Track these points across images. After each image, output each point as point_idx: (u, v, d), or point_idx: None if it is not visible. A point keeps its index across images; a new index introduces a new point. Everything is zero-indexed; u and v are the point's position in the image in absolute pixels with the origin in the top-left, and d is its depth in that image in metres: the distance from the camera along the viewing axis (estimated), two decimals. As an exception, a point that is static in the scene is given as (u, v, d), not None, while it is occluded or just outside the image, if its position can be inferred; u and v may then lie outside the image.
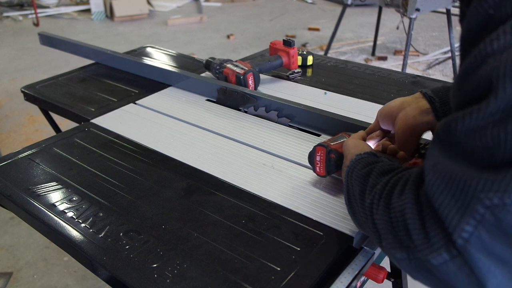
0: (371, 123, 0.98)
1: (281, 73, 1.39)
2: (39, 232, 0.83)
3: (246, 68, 1.23)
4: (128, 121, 1.13)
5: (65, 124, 1.32)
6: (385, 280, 0.79)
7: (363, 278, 0.73)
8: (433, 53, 4.18)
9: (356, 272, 0.68)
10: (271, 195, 0.83)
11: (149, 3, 5.96)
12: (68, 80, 1.42)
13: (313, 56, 1.48)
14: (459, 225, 0.43)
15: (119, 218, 0.79)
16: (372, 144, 0.82)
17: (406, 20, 3.16)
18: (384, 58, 4.04)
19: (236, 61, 1.30)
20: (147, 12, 5.59)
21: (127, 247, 0.72)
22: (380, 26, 4.02)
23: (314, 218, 0.77)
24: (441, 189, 0.45)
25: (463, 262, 0.44)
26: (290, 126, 1.09)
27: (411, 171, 0.55)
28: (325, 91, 1.28)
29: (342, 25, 3.90)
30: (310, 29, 5.00)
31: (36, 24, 5.03)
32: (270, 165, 0.93)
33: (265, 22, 5.40)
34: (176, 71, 1.32)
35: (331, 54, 4.09)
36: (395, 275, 1.22)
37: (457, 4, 3.28)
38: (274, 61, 1.34)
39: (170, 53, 1.65)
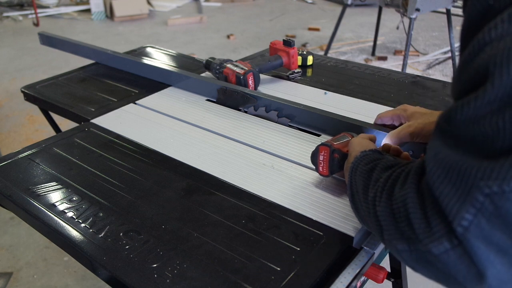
0: (371, 123, 0.99)
1: (281, 73, 1.39)
2: (39, 232, 0.83)
3: (246, 68, 1.23)
4: (128, 121, 1.13)
5: (65, 124, 1.32)
6: (385, 280, 0.79)
7: (363, 278, 0.73)
8: (433, 53, 4.18)
9: (356, 272, 0.68)
10: (271, 195, 0.83)
11: (149, 3, 5.96)
12: (68, 80, 1.42)
13: (313, 56, 1.48)
14: (459, 213, 0.43)
15: (119, 218, 0.79)
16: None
17: (406, 20, 3.16)
18: (384, 58, 4.04)
19: (236, 61, 1.30)
20: (147, 12, 5.59)
21: (127, 247, 0.72)
22: (380, 26, 4.02)
23: (314, 218, 0.77)
24: (441, 178, 0.46)
25: (463, 251, 0.44)
26: (290, 126, 1.08)
27: (413, 163, 0.55)
28: (325, 91, 1.28)
29: (342, 25, 3.90)
30: (310, 29, 5.00)
31: (36, 24, 5.03)
32: (270, 165, 0.93)
33: (265, 22, 5.40)
34: (176, 71, 1.32)
35: (331, 54, 4.09)
36: (395, 275, 1.22)
37: (457, 4, 3.28)
38: (274, 61, 1.34)
39: (170, 53, 1.65)
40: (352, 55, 4.18)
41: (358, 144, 0.76)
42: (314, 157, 0.85)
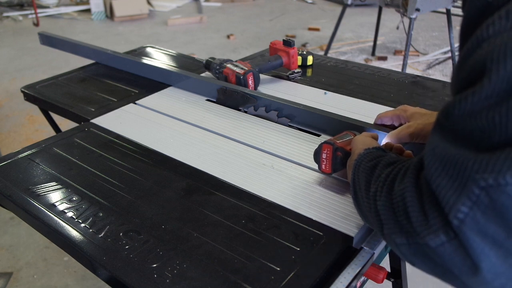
0: (371, 123, 0.99)
1: (281, 73, 1.39)
2: (39, 232, 0.83)
3: (246, 68, 1.23)
4: (128, 121, 1.13)
5: (65, 124, 1.32)
6: (385, 280, 0.79)
7: (363, 278, 0.73)
8: (433, 53, 4.18)
9: (356, 272, 0.68)
10: (271, 195, 0.83)
11: (149, 3, 5.96)
12: (68, 80, 1.42)
13: (313, 56, 1.48)
14: (455, 205, 0.44)
15: (119, 218, 0.79)
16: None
17: (406, 20, 3.16)
18: (384, 58, 4.04)
19: (236, 61, 1.30)
20: (147, 12, 5.59)
21: (127, 247, 0.72)
22: (380, 26, 4.02)
23: (314, 218, 0.77)
24: (439, 171, 0.46)
25: (459, 244, 0.44)
26: (290, 126, 1.08)
27: (413, 159, 0.55)
28: (325, 91, 1.28)
29: (342, 25, 3.90)
30: (310, 29, 5.00)
31: (36, 24, 5.03)
32: (270, 165, 0.93)
33: (265, 22, 5.40)
34: (176, 71, 1.32)
35: (331, 54, 4.09)
36: (395, 275, 1.22)
37: (457, 4, 3.28)
38: (274, 61, 1.34)
39: (170, 53, 1.65)
40: (352, 55, 4.18)
41: (362, 142, 0.76)
42: (317, 155, 0.85)
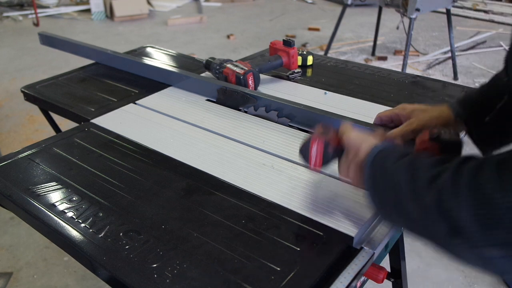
0: (371, 123, 0.99)
1: (281, 73, 1.39)
2: (39, 232, 0.83)
3: (246, 68, 1.23)
4: (128, 121, 1.13)
5: (65, 124, 1.32)
6: (385, 280, 0.79)
7: (363, 278, 0.73)
8: (433, 53, 4.18)
9: (356, 272, 0.68)
10: (271, 195, 0.83)
11: (149, 3, 5.96)
12: (68, 80, 1.42)
13: (313, 56, 1.48)
14: None
15: (119, 218, 0.79)
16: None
17: (406, 20, 3.16)
18: (384, 58, 4.04)
19: (236, 61, 1.30)
20: (147, 12, 5.59)
21: (127, 247, 0.72)
22: (380, 26, 4.02)
23: (314, 218, 0.77)
24: None
25: None
26: (290, 126, 1.08)
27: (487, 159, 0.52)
28: (325, 91, 1.28)
29: (342, 25, 3.90)
30: (310, 29, 5.00)
31: (36, 24, 5.03)
32: (270, 165, 0.93)
33: (265, 22, 5.40)
34: (176, 71, 1.32)
35: (331, 54, 4.09)
36: (395, 275, 1.22)
37: (457, 4, 3.28)
38: (274, 61, 1.34)
39: (170, 53, 1.65)
40: (352, 55, 4.18)
41: (361, 138, 0.72)
42: (305, 150, 0.79)
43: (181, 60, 1.58)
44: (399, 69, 3.34)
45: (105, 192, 0.86)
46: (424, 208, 0.55)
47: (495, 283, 1.72)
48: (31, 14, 5.47)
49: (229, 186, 0.86)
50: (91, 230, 0.76)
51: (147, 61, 1.43)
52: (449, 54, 3.71)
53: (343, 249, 0.71)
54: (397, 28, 4.29)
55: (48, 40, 1.63)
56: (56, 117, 1.42)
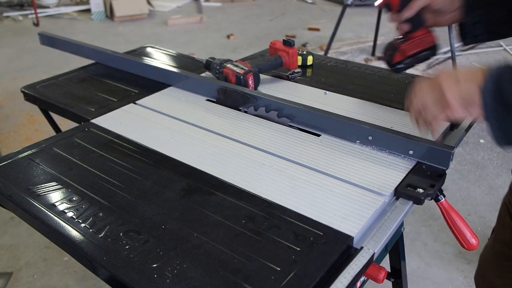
0: (371, 123, 0.99)
1: (281, 73, 1.39)
2: (39, 232, 0.83)
3: (246, 68, 1.23)
4: (128, 121, 1.13)
5: (65, 124, 1.32)
6: (385, 280, 0.79)
7: (363, 278, 0.73)
8: (433, 53, 4.17)
9: (356, 272, 0.68)
10: (271, 195, 0.83)
11: (149, 3, 5.96)
12: (68, 80, 1.42)
13: (313, 56, 1.48)
14: None
15: (119, 218, 0.79)
16: None
17: (406, 20, 3.15)
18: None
19: (236, 61, 1.30)
20: (147, 12, 5.59)
21: (127, 247, 0.72)
22: (380, 26, 4.02)
23: (314, 218, 0.77)
24: None
25: None
26: (290, 126, 1.08)
27: None
28: (325, 91, 1.28)
29: (342, 25, 3.89)
30: (310, 29, 5.01)
31: (36, 24, 5.04)
32: (270, 165, 0.93)
33: (265, 22, 5.40)
34: (176, 71, 1.32)
35: (331, 54, 4.09)
36: (395, 275, 1.22)
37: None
38: (274, 61, 1.34)
39: (170, 53, 1.65)
40: (352, 55, 4.18)
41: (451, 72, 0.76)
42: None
43: (181, 60, 1.58)
44: (399, 69, 3.33)
45: (105, 192, 0.86)
46: None
47: (495, 283, 1.72)
48: (31, 14, 5.47)
49: (229, 186, 0.86)
50: (91, 230, 0.76)
51: (147, 61, 1.43)
52: (449, 54, 3.71)
53: (343, 249, 0.71)
54: (397, 28, 4.29)
55: (48, 40, 1.63)
56: (56, 117, 1.42)
